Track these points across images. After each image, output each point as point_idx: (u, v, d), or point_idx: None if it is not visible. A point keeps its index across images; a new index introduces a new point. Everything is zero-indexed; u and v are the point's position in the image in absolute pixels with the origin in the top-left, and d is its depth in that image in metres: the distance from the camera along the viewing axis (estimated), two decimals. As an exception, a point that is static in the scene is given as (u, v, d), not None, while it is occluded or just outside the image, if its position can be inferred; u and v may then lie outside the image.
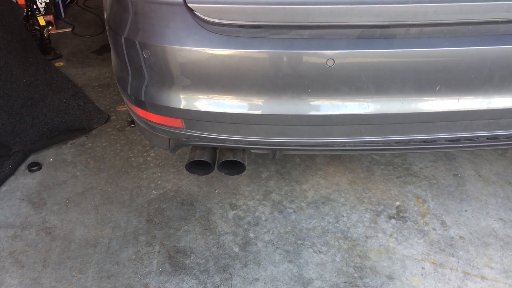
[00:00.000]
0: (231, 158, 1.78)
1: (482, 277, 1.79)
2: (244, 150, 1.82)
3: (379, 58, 1.42)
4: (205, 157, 1.79)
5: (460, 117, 1.56)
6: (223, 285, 1.77)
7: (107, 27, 1.59)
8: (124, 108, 2.83)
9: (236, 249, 1.92)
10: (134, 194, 2.20)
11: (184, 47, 1.39)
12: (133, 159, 2.42)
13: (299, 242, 1.94)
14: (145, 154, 2.45)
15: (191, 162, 1.80)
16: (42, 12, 3.62)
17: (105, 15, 1.62)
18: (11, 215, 2.09)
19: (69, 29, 3.99)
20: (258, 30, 1.40)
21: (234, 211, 2.10)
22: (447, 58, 1.43)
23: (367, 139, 1.63)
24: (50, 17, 3.81)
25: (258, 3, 1.37)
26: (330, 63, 1.39)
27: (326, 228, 2.00)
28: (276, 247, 1.92)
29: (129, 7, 1.43)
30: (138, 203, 2.14)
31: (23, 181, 2.29)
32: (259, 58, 1.42)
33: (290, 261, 1.86)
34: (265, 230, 2.00)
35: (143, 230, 2.01)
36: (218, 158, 1.82)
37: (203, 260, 1.87)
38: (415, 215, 2.06)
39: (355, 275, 1.80)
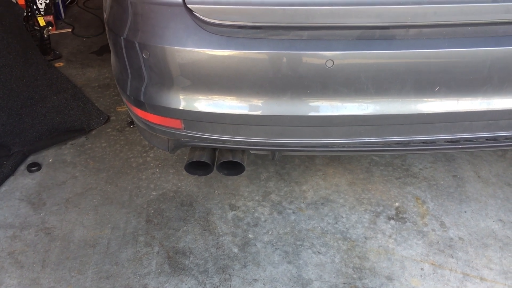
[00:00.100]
0: (231, 159, 1.78)
1: (481, 278, 1.79)
2: (243, 151, 1.82)
3: (378, 59, 1.42)
4: (205, 158, 1.79)
5: (460, 118, 1.56)
6: (222, 285, 1.77)
7: (106, 28, 1.59)
8: (124, 109, 2.83)
9: (235, 250, 1.92)
10: (134, 194, 2.20)
11: (184, 48, 1.39)
12: (132, 159, 2.42)
13: (298, 243, 1.94)
14: (145, 154, 2.45)
15: (191, 162, 1.80)
16: (42, 13, 3.62)
17: (105, 16, 1.62)
18: (11, 215, 2.09)
19: (69, 30, 3.99)
20: (258, 31, 1.40)
21: (233, 212, 2.10)
22: (446, 59, 1.43)
23: (366, 140, 1.63)
24: (50, 18, 3.81)
25: (257, 4, 1.37)
26: (329, 64, 1.39)
27: (325, 229, 2.00)
28: (275, 248, 1.92)
29: (129, 8, 1.43)
30: (137, 204, 2.14)
31: (22, 181, 2.29)
32: (258, 59, 1.42)
33: (289, 262, 1.86)
34: (265, 231, 2.00)
35: (142, 230, 2.01)
36: (217, 158, 1.82)
37: (202, 261, 1.87)
38: (415, 216, 2.06)
39: (354, 276, 1.80)
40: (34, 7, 3.41)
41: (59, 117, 2.63)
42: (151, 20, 1.40)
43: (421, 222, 2.03)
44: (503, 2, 1.38)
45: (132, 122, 2.68)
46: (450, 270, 1.82)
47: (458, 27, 1.42)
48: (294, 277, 1.80)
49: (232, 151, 1.80)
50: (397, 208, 2.10)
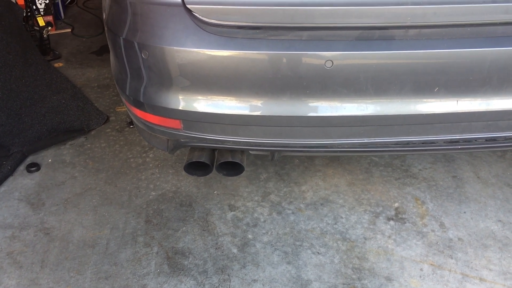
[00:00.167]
0: (230, 159, 1.78)
1: (481, 279, 1.79)
2: (242, 151, 1.82)
3: (377, 59, 1.42)
4: (204, 158, 1.79)
5: (459, 118, 1.56)
6: (221, 286, 1.77)
7: (106, 28, 1.59)
8: (123, 109, 2.83)
9: (235, 250, 1.91)
10: (133, 195, 2.20)
11: (183, 48, 1.39)
12: (132, 160, 2.42)
13: (297, 243, 1.94)
14: (144, 155, 2.45)
15: (190, 163, 1.80)
16: (42, 13, 3.62)
17: (104, 16, 1.62)
18: (10, 215, 2.09)
19: (69, 30, 3.99)
20: (257, 31, 1.40)
21: (232, 212, 2.10)
22: (446, 60, 1.43)
23: (366, 140, 1.63)
24: (49, 18, 3.80)
25: (256, 4, 1.37)
26: (328, 64, 1.39)
27: (324, 230, 2.00)
28: (275, 248, 1.92)
29: (128, 8, 1.43)
30: (136, 204, 2.14)
31: (21, 181, 2.29)
32: (257, 59, 1.42)
33: (288, 262, 1.86)
34: (264, 231, 2.00)
35: (141, 231, 2.00)
36: (216, 159, 1.82)
37: (202, 261, 1.87)
38: (414, 217, 2.06)
39: (354, 276, 1.80)
40: (34, 7, 3.41)
41: (58, 117, 2.63)
42: (150, 20, 1.40)
43: (420, 222, 2.03)
44: (502, 3, 1.38)
45: (131, 123, 2.68)
46: (450, 270, 1.82)
47: (457, 28, 1.42)
48: (293, 278, 1.80)
49: (232, 151, 1.80)
50: (396, 209, 2.10)
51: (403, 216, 2.07)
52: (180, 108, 1.52)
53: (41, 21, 3.39)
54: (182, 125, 1.59)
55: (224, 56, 1.41)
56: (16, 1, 3.52)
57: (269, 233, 1.99)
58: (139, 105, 1.58)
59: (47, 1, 3.85)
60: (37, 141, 2.49)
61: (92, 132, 2.63)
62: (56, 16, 4.12)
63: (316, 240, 1.95)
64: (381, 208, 2.10)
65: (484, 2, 1.37)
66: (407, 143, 1.66)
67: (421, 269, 1.83)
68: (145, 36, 1.41)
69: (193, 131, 1.61)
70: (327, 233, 1.99)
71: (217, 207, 2.12)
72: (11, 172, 2.33)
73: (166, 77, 1.47)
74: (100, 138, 2.59)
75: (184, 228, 2.02)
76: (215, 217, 2.07)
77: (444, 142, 1.67)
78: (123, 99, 1.71)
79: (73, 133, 2.57)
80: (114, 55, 1.59)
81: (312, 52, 1.39)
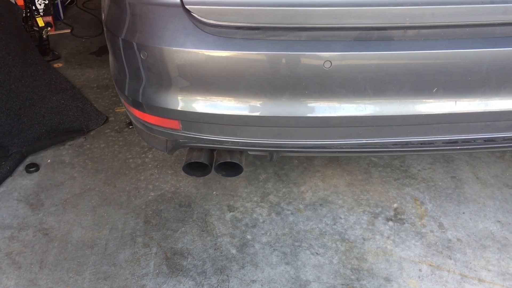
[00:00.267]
0: (229, 160, 1.78)
1: (480, 280, 1.79)
2: (241, 151, 1.82)
3: (376, 60, 1.42)
4: (203, 159, 1.79)
5: (458, 119, 1.57)
6: (220, 287, 1.77)
7: (105, 29, 1.59)
8: (122, 110, 2.83)
9: (234, 251, 1.91)
10: (132, 195, 2.20)
11: (182, 48, 1.39)
12: (131, 160, 2.42)
13: (296, 244, 1.94)
14: (143, 155, 2.45)
15: (189, 163, 1.80)
16: (41, 13, 3.62)
17: (103, 17, 1.62)
18: (9, 216, 2.09)
19: (68, 30, 3.99)
20: (256, 31, 1.40)
21: (231, 213, 2.10)
22: (444, 60, 1.43)
23: (364, 141, 1.63)
24: (49, 18, 3.81)
25: (255, 4, 1.37)
26: (327, 65, 1.40)
27: (323, 230, 2.00)
28: (274, 249, 1.92)
29: (127, 8, 1.43)
30: (135, 205, 2.14)
31: (20, 182, 2.29)
32: (256, 59, 1.42)
33: (287, 263, 1.86)
34: (263, 232, 2.00)
35: (140, 231, 2.00)
36: (215, 159, 1.82)
37: (200, 262, 1.87)
38: (413, 217, 2.06)
39: (352, 277, 1.80)
40: (33, 7, 3.41)
41: (57, 118, 2.63)
42: (149, 21, 1.40)
43: (419, 223, 2.03)
44: (501, 4, 1.38)
45: (130, 123, 2.68)
46: (448, 271, 1.82)
47: (456, 28, 1.42)
48: (292, 278, 1.80)
49: (230, 152, 1.80)
50: (395, 209, 2.10)
51: (402, 216, 2.07)
52: (179, 108, 1.52)
53: (40, 22, 3.39)
54: (181, 126, 1.59)
55: (223, 56, 1.41)
56: (15, 2, 3.52)
57: (268, 234, 1.99)
58: (138, 105, 1.59)
59: (47, 2, 3.85)
60: (36, 142, 2.49)
61: (91, 133, 2.63)
62: (56, 17, 4.12)
63: (315, 241, 1.95)
64: (380, 209, 2.10)
65: (482, 3, 1.37)
66: (406, 144, 1.66)
67: (420, 270, 1.83)
68: (144, 37, 1.41)
69: (192, 131, 1.61)
70: (326, 234, 1.99)
71: (216, 207, 2.12)
72: (10, 172, 2.33)
73: (165, 77, 1.47)
74: (99, 138, 2.59)
75: (183, 228, 2.02)
76: (214, 217, 2.07)
77: (443, 143, 1.67)
78: (122, 100, 1.71)
79: (72, 134, 2.57)
80: (113, 55, 1.59)
81: (310, 52, 1.39)
